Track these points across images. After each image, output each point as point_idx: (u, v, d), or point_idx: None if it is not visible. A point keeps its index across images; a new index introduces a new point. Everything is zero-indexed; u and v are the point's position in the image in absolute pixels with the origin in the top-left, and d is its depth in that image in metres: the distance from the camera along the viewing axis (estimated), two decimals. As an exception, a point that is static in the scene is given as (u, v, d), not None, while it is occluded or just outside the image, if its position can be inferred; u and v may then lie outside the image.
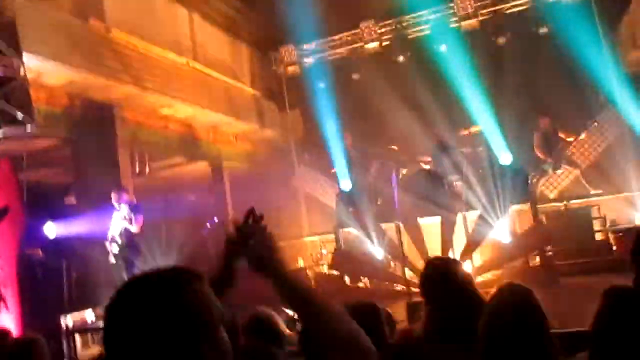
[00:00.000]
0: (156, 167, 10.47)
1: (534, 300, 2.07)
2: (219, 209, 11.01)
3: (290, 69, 12.96)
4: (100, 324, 7.27)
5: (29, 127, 5.71)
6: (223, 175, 11.85)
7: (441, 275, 2.48)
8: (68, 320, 6.78)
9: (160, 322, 1.10)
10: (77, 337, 6.93)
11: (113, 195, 7.61)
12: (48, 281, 7.19)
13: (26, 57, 6.02)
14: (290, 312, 3.71)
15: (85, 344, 6.97)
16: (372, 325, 2.45)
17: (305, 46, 12.68)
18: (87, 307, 7.26)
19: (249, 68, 13.20)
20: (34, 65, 6.78)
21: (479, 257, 8.88)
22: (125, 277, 7.52)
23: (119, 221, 7.57)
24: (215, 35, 12.08)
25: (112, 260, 7.60)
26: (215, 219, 9.51)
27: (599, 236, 9.09)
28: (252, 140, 12.83)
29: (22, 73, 5.65)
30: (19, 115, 5.55)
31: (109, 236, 7.61)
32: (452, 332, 2.25)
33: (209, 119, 11.15)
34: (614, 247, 8.58)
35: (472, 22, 11.44)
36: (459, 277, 2.49)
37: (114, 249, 7.58)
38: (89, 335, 7.13)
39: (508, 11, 11.37)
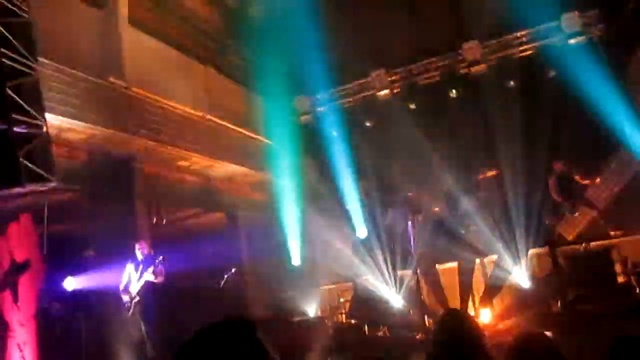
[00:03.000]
0: (173, 218, 10.55)
1: (554, 349, 2.06)
2: (235, 259, 10.99)
3: (304, 117, 13.17)
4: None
5: (50, 184, 5.83)
6: (239, 225, 11.89)
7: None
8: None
9: None
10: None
11: (136, 247, 7.68)
12: (66, 337, 7.17)
13: (48, 116, 6.22)
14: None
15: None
16: None
17: (318, 95, 12.90)
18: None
19: (263, 118, 13.41)
20: (55, 122, 7.00)
21: (499, 304, 8.73)
22: (144, 330, 7.47)
23: (135, 273, 7.58)
24: (230, 87, 12.37)
25: (129, 313, 7.57)
26: (233, 270, 9.50)
27: (620, 278, 8.89)
28: (267, 189, 12.91)
29: (44, 131, 5.82)
30: (41, 172, 5.69)
31: (124, 288, 7.59)
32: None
33: (225, 170, 11.30)
34: (637, 290, 8.38)
35: (481, 68, 11.62)
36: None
37: (129, 300, 7.55)
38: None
39: (515, 56, 11.53)
